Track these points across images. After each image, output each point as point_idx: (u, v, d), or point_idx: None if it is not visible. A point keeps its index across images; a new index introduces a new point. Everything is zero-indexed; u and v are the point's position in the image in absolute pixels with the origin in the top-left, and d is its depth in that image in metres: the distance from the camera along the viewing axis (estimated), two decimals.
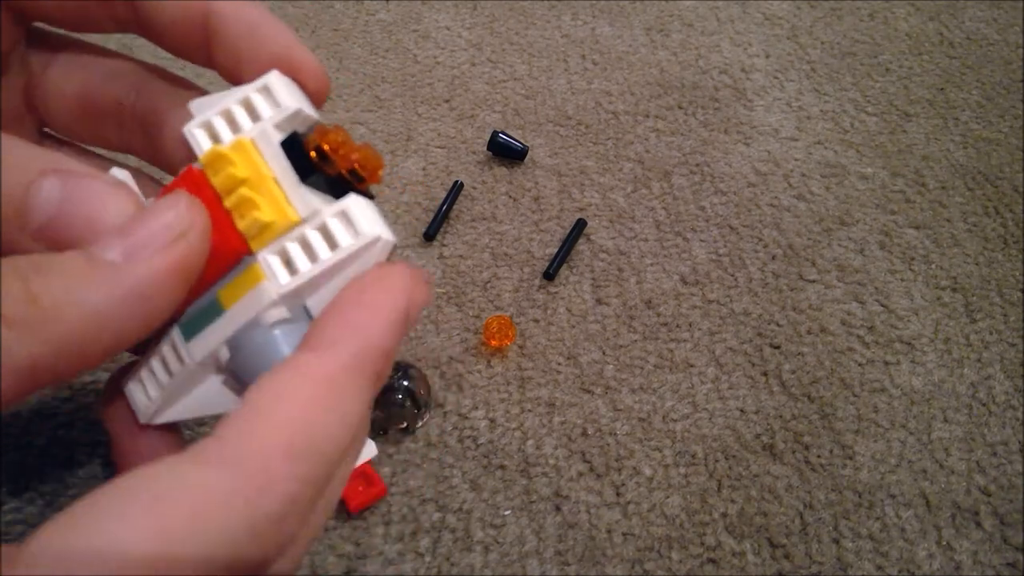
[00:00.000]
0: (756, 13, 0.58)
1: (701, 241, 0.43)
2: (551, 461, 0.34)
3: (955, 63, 0.55)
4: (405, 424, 0.34)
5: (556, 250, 0.41)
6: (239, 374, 0.17)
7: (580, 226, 0.42)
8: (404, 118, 0.49)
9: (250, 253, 0.17)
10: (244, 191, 0.17)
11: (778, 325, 0.39)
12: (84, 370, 0.15)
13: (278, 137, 0.18)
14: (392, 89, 0.50)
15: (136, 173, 0.22)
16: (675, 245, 0.43)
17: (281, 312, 0.17)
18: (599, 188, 0.45)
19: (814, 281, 0.41)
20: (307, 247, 0.17)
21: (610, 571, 0.31)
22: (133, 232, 0.16)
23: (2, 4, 0.21)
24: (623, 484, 0.34)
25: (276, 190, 0.17)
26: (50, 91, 0.23)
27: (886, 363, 0.38)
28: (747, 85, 0.52)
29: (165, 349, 0.18)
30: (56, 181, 0.16)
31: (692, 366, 0.38)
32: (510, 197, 0.45)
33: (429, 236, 0.42)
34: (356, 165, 0.18)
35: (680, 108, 0.50)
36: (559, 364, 0.37)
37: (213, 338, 0.17)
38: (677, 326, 0.39)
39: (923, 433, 0.36)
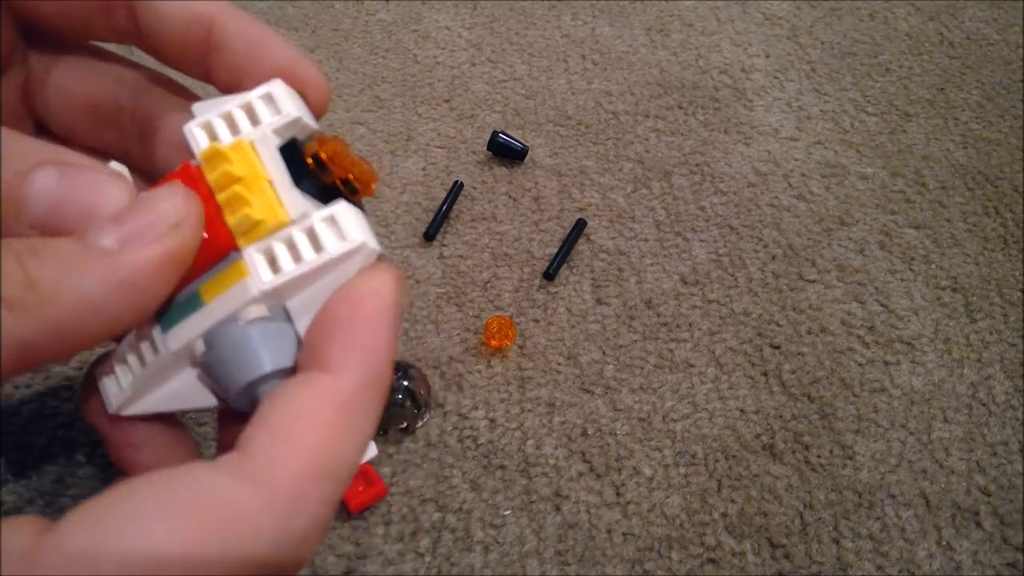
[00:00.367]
0: (756, 13, 0.58)
1: (701, 241, 0.43)
2: (551, 461, 0.34)
3: (955, 63, 0.55)
4: (405, 424, 0.34)
5: (556, 250, 0.41)
6: (211, 369, 0.18)
7: (580, 226, 0.42)
8: (404, 118, 0.49)
9: (237, 249, 0.17)
10: (238, 188, 0.17)
11: (778, 325, 0.39)
12: (75, 353, 0.16)
13: (277, 142, 0.18)
14: (392, 89, 0.50)
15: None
16: (675, 245, 0.43)
17: (260, 310, 0.17)
18: (599, 188, 0.45)
19: (814, 281, 0.41)
20: (293, 248, 0.17)
21: (610, 571, 0.31)
22: (128, 220, 0.16)
23: (1, 6, 0.21)
24: (623, 484, 0.34)
25: (269, 191, 0.17)
26: (52, 91, 0.23)
27: (886, 363, 0.38)
28: (747, 85, 0.52)
29: (141, 339, 0.18)
30: (54, 172, 0.16)
31: (692, 366, 0.38)
32: (510, 197, 0.45)
33: (429, 236, 0.42)
34: (351, 176, 0.18)
35: (680, 108, 0.50)
36: (559, 364, 0.37)
37: (190, 330, 0.17)
38: (677, 326, 0.39)
39: (923, 433, 0.36)
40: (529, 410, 0.36)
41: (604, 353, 0.38)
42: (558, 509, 0.33)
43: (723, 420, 0.36)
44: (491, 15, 0.56)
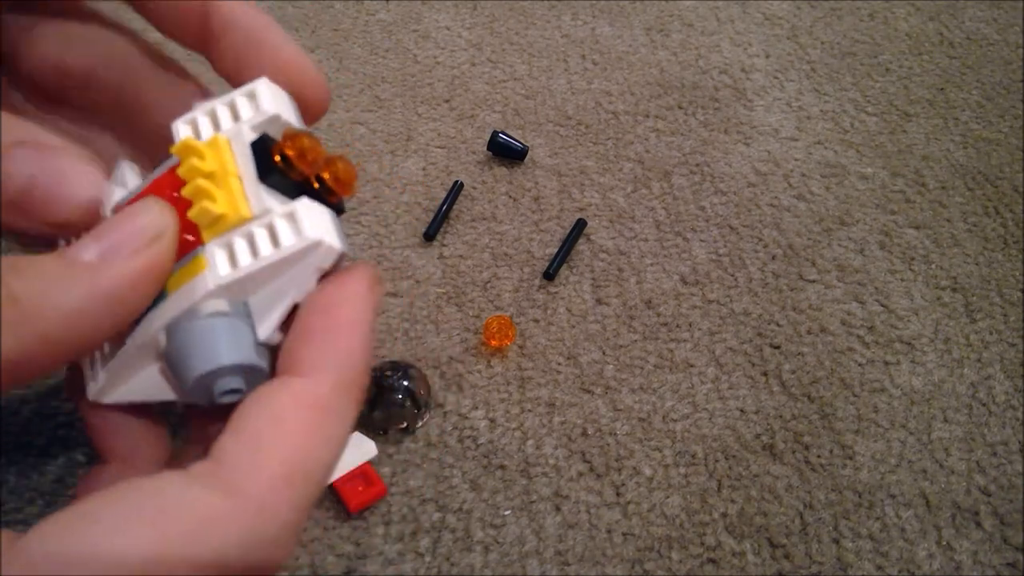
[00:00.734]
0: (756, 13, 0.58)
1: (701, 241, 0.43)
2: (551, 461, 0.34)
3: (955, 63, 0.55)
4: (405, 424, 0.34)
5: (556, 250, 0.41)
6: (170, 360, 0.18)
7: (580, 226, 0.42)
8: (404, 118, 0.49)
9: (202, 244, 0.17)
10: (201, 182, 0.17)
11: (778, 325, 0.39)
12: (63, 365, 0.16)
13: (251, 138, 0.18)
14: (392, 89, 0.50)
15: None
16: (675, 245, 0.43)
17: (219, 305, 0.18)
18: (599, 188, 0.45)
19: (814, 281, 0.41)
20: (252, 243, 0.17)
21: (610, 571, 0.31)
22: (108, 235, 0.16)
23: None
24: (623, 484, 0.34)
25: (237, 186, 0.18)
26: (24, 52, 0.23)
27: (886, 363, 0.38)
28: (747, 85, 0.52)
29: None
30: (28, 153, 0.17)
31: (692, 366, 0.38)
32: (510, 197, 0.45)
33: (429, 236, 0.42)
34: (325, 174, 0.18)
35: (680, 108, 0.50)
36: (559, 364, 0.37)
37: (153, 322, 0.18)
38: (677, 326, 0.39)
39: (923, 433, 0.36)
40: (529, 410, 0.36)
41: (604, 353, 0.38)
42: (558, 509, 0.33)
43: (723, 420, 0.36)
44: (491, 15, 0.56)
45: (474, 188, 0.45)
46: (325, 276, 0.18)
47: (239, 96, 0.19)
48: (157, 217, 0.17)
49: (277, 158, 0.18)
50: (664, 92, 0.51)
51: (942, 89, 0.53)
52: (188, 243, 0.18)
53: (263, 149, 0.18)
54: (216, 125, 0.19)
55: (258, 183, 0.18)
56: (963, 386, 0.38)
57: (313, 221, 0.18)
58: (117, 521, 0.14)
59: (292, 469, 0.15)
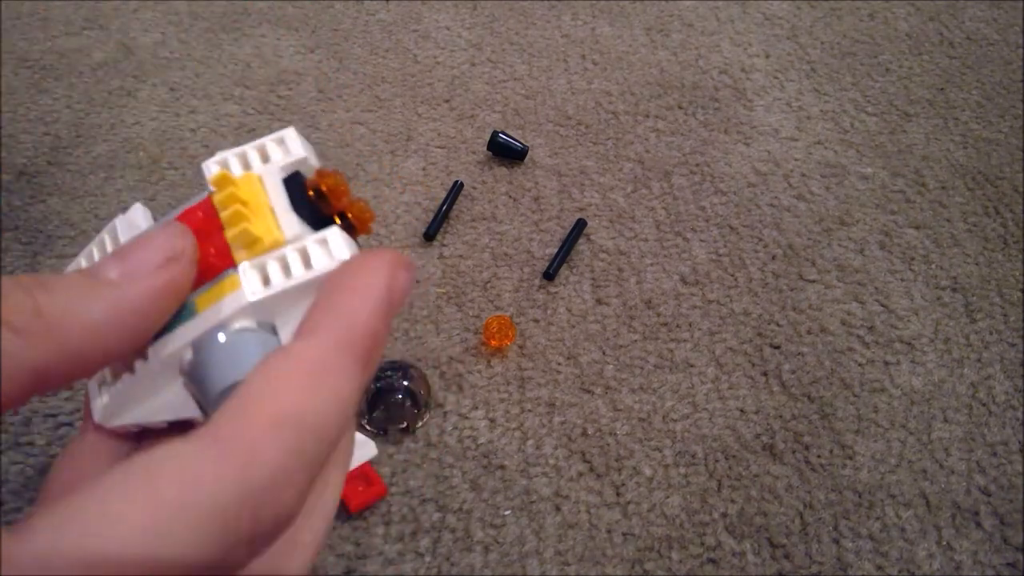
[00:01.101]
0: (756, 13, 0.58)
1: (701, 241, 0.43)
2: (551, 461, 0.34)
3: (955, 63, 0.55)
4: (405, 424, 0.34)
5: (556, 250, 0.41)
6: (195, 374, 0.19)
7: (580, 226, 0.42)
8: (404, 118, 0.49)
9: (234, 266, 0.19)
10: (239, 207, 0.19)
11: (778, 325, 0.39)
12: (80, 378, 0.17)
13: (282, 175, 0.20)
14: (392, 89, 0.50)
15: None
16: (675, 245, 0.43)
17: (249, 322, 0.19)
18: (599, 188, 0.45)
19: (814, 281, 0.41)
20: (284, 265, 0.19)
21: (610, 571, 0.31)
22: (130, 256, 0.18)
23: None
24: (623, 484, 0.34)
25: (270, 215, 0.19)
26: None
27: (886, 363, 0.38)
28: (747, 85, 0.52)
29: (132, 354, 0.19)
30: None
31: (692, 366, 0.38)
32: (510, 197, 0.45)
33: (429, 236, 0.42)
34: (349, 213, 0.20)
35: (680, 108, 0.50)
36: (559, 364, 0.37)
37: (179, 338, 0.18)
38: (677, 326, 0.39)
39: (923, 433, 0.36)
40: (529, 410, 0.36)
41: (604, 353, 0.38)
42: (558, 509, 0.33)
43: (723, 420, 0.36)
44: (491, 15, 0.56)
45: (474, 188, 0.45)
46: None
47: (269, 141, 0.20)
48: (176, 239, 0.18)
49: (311, 192, 0.20)
50: (664, 92, 0.51)
51: (942, 89, 0.53)
52: (219, 265, 0.19)
53: (296, 184, 0.20)
54: (247, 166, 0.20)
55: (291, 213, 0.19)
56: (963, 386, 0.38)
57: (343, 246, 0.19)
58: (112, 496, 0.14)
59: (281, 418, 0.15)
